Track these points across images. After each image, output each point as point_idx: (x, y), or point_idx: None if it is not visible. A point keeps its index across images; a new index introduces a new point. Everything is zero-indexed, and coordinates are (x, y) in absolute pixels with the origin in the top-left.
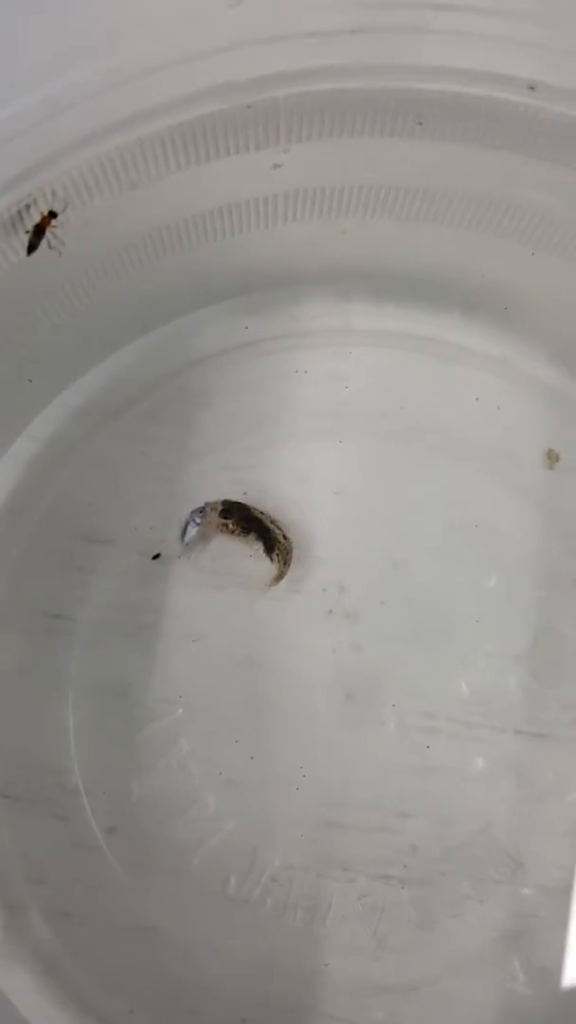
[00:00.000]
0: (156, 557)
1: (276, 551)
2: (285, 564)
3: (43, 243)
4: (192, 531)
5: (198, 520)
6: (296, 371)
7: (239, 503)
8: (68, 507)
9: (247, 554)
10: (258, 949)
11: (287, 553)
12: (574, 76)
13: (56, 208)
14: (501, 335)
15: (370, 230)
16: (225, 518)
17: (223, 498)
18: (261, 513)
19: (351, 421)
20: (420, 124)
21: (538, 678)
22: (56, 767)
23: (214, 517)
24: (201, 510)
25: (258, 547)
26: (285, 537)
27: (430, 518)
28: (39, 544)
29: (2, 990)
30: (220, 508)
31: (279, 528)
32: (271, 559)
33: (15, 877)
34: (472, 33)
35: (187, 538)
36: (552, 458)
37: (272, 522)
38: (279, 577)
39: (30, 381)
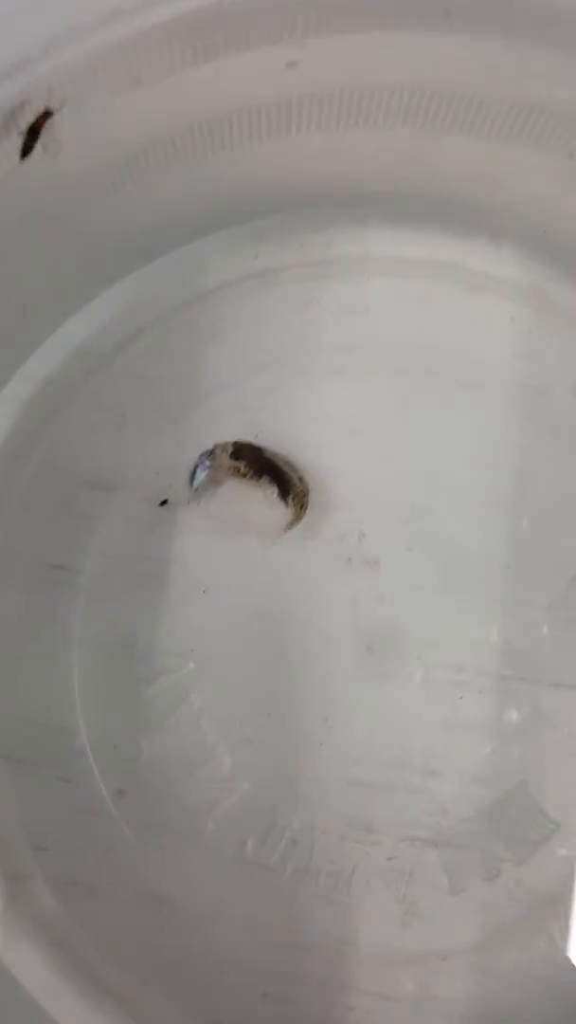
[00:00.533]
0: (163, 503)
1: (291, 495)
2: (301, 508)
3: (38, 145)
4: (201, 475)
5: (207, 463)
6: (310, 303)
7: (251, 444)
8: (67, 452)
9: (260, 499)
10: (278, 917)
11: (303, 496)
12: None
13: (52, 106)
14: (532, 261)
15: (392, 142)
16: (236, 460)
17: (233, 440)
18: (274, 455)
19: (370, 356)
20: (448, 13)
21: (572, 627)
22: (60, 726)
23: (224, 460)
24: (211, 453)
25: (271, 491)
26: (300, 480)
27: (456, 459)
28: (37, 491)
29: (6, 964)
30: (231, 450)
31: (294, 470)
32: (285, 504)
33: (18, 844)
34: None
35: (196, 483)
36: None
37: (286, 464)
38: (294, 522)
39: (24, 314)
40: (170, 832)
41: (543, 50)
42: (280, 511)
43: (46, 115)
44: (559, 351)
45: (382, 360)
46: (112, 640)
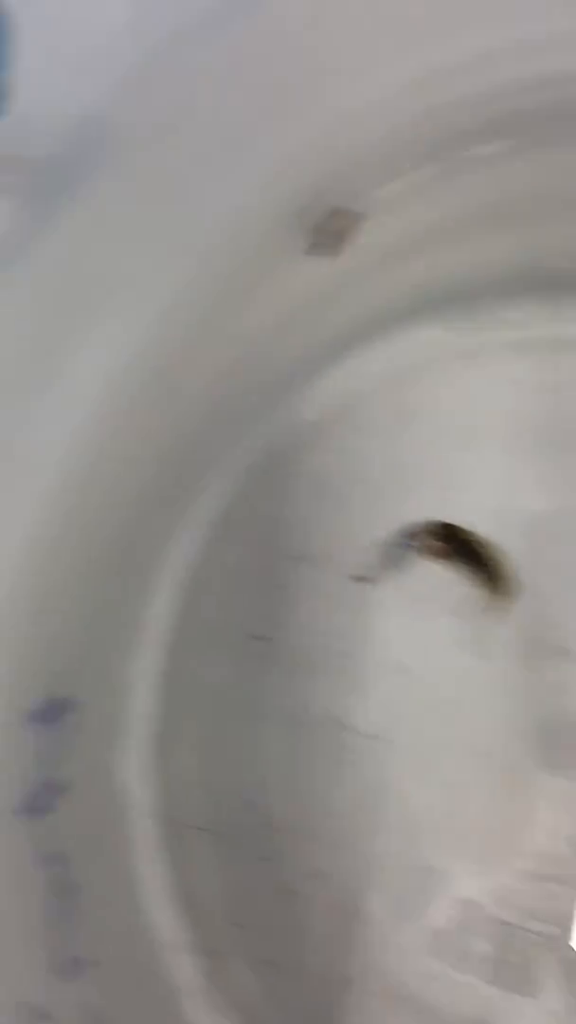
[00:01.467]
0: (363, 580)
1: (490, 579)
2: (500, 593)
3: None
4: (403, 553)
5: (410, 542)
6: (513, 382)
7: (451, 524)
8: (272, 522)
9: (459, 582)
10: (470, 1013)
11: (503, 582)
12: None
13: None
14: None
15: None
16: (438, 541)
17: (435, 519)
18: (476, 538)
19: (571, 436)
20: None
21: None
22: (259, 802)
23: (425, 539)
24: (412, 532)
25: (471, 574)
26: (500, 565)
27: None
28: (245, 561)
29: None
30: (432, 529)
31: (494, 554)
32: (484, 588)
33: (218, 920)
34: None
35: (397, 561)
36: None
37: (487, 547)
38: (492, 606)
39: (245, 393)
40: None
41: None
42: (478, 594)
43: (356, 218)
44: None
45: None
46: (308, 716)
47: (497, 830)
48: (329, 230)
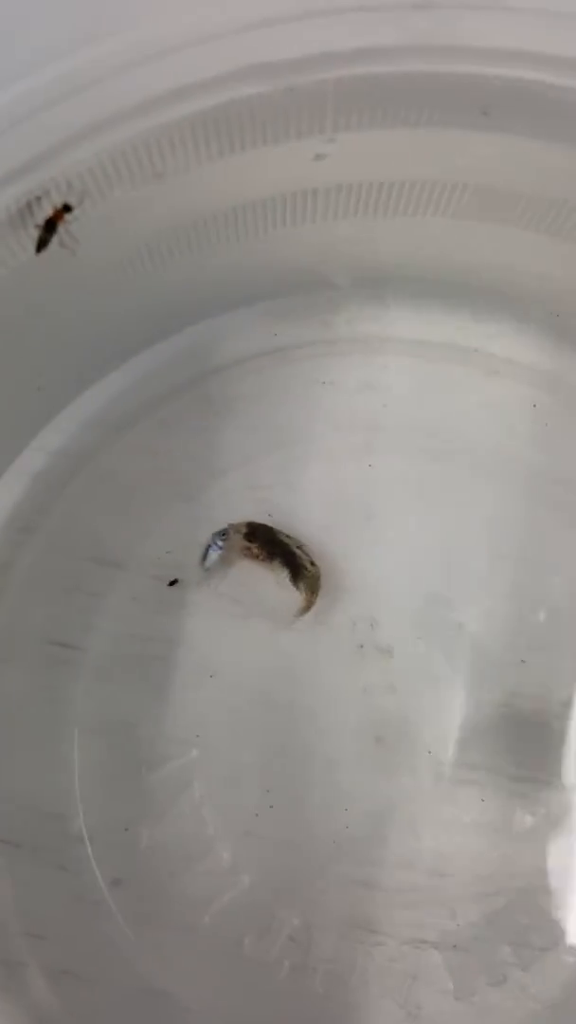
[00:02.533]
0: (173, 583)
1: (302, 579)
2: (312, 593)
3: (54, 240)
4: (214, 555)
5: (220, 543)
6: (328, 382)
7: (264, 525)
8: (77, 526)
9: (271, 581)
10: (274, 1016)
11: (315, 581)
12: None
13: (71, 201)
14: (554, 347)
15: (420, 230)
16: (249, 541)
17: (247, 520)
18: (288, 537)
19: (387, 438)
20: (486, 114)
21: None
22: (59, 812)
23: (238, 540)
24: (223, 532)
25: (283, 574)
26: (312, 564)
27: (472, 547)
28: (45, 566)
29: None
30: (244, 531)
31: (306, 554)
32: (297, 588)
33: (13, 930)
34: (557, 12)
35: (208, 563)
36: None
37: (299, 547)
38: (306, 608)
39: (39, 389)
40: (166, 924)
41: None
42: (291, 595)
43: (65, 209)
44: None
45: (399, 443)
46: (114, 723)
47: (319, 836)
48: (38, 221)
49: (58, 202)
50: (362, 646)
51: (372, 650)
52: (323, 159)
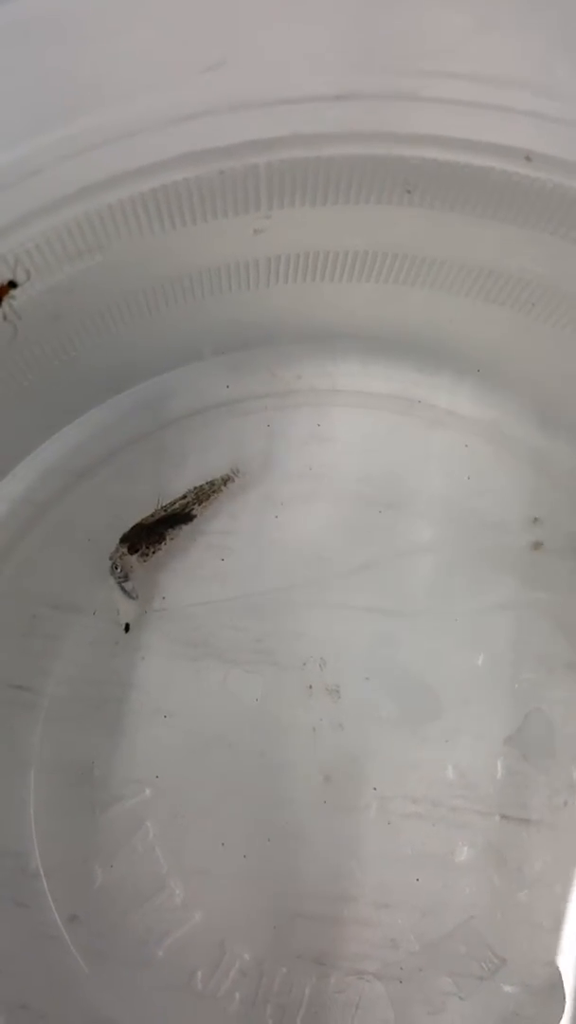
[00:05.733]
0: (127, 628)
1: (199, 505)
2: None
3: None
4: (128, 585)
5: (120, 576)
6: (277, 432)
7: (134, 527)
8: (34, 572)
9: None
10: None
11: (211, 494)
12: (572, 146)
13: (18, 278)
14: (492, 400)
15: (357, 293)
16: (136, 552)
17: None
18: (163, 510)
19: (333, 485)
20: (409, 192)
21: (527, 762)
22: (15, 850)
23: (128, 560)
24: (114, 566)
25: (179, 530)
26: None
27: (416, 591)
28: (2, 610)
29: None
30: (124, 550)
31: (188, 500)
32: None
33: None
34: (466, 101)
35: (131, 591)
36: (537, 547)
37: (178, 503)
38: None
39: None
40: (120, 959)
41: (495, 223)
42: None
43: (10, 285)
44: (516, 487)
45: (344, 490)
46: (70, 764)
47: (268, 872)
48: None
49: (3, 279)
50: (311, 686)
51: (321, 690)
52: (261, 233)
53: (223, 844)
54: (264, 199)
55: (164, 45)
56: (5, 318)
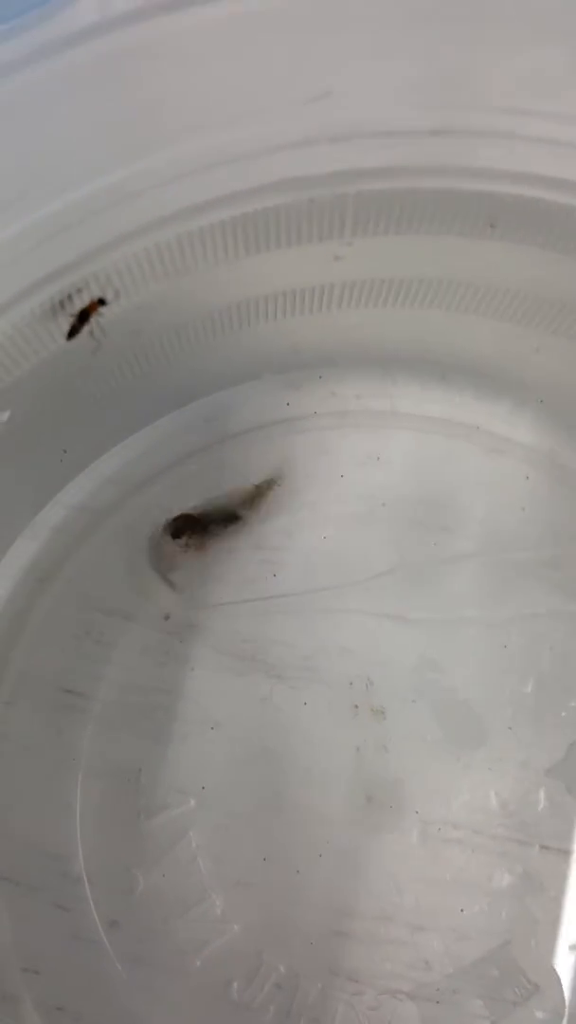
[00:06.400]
0: (167, 618)
1: (248, 509)
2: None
3: (85, 329)
4: (171, 575)
5: (166, 538)
6: (334, 451)
7: (180, 515)
8: (91, 578)
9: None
10: None
11: (259, 498)
12: None
13: (107, 296)
14: (551, 429)
15: (426, 320)
16: (178, 537)
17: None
18: (212, 506)
19: (387, 507)
20: (493, 226)
21: (571, 792)
22: (60, 853)
23: (171, 546)
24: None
25: (230, 527)
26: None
27: (466, 615)
28: (59, 614)
29: None
30: (167, 535)
31: (235, 501)
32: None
33: (9, 965)
34: (557, 141)
35: (172, 581)
36: None
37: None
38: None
39: (64, 451)
40: (158, 966)
41: (572, 259)
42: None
43: (100, 303)
44: (571, 518)
45: (399, 513)
46: (117, 770)
47: (307, 888)
48: (72, 311)
49: (95, 295)
50: (357, 706)
51: (366, 710)
52: (341, 259)
53: (264, 858)
54: (349, 227)
55: (270, 75)
56: (92, 334)
